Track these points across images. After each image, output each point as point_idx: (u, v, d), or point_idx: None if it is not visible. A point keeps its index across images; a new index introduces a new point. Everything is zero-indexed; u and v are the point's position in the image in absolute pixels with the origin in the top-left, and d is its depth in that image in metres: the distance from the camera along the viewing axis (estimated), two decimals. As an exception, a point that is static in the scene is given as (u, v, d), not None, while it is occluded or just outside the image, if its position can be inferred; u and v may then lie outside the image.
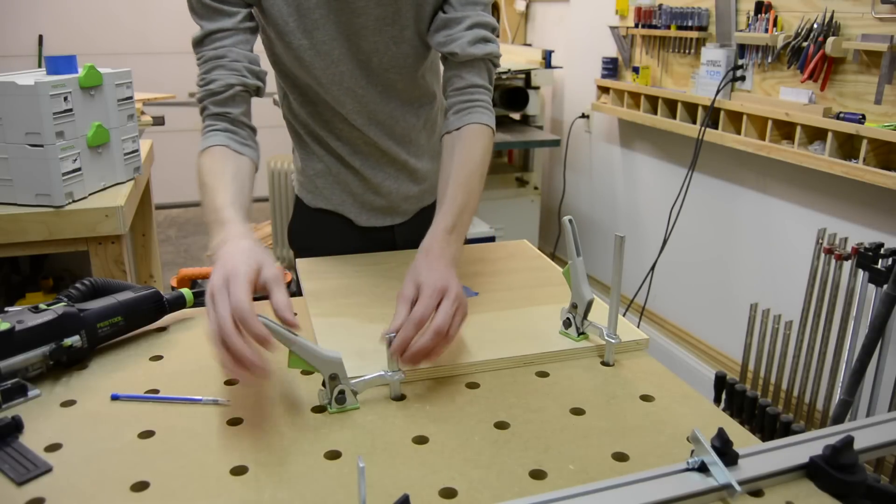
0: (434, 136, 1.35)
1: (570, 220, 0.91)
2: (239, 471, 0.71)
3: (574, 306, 0.97)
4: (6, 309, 0.88)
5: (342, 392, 0.80)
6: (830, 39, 1.95)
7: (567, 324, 0.98)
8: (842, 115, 1.95)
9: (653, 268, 2.64)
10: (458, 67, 1.14)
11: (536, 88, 3.26)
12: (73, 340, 0.88)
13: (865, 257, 1.84)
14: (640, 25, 2.78)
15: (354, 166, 1.27)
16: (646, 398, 0.85)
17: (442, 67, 1.20)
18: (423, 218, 1.36)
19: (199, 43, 1.09)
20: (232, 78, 1.07)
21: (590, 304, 0.95)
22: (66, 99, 1.56)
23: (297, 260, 1.27)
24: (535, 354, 0.93)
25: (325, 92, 1.17)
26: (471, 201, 1.04)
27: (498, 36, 1.18)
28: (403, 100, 1.25)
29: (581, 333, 0.97)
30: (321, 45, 1.13)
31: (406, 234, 1.11)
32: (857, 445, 0.69)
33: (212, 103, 1.08)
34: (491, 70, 1.17)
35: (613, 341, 0.92)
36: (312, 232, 1.38)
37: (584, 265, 0.94)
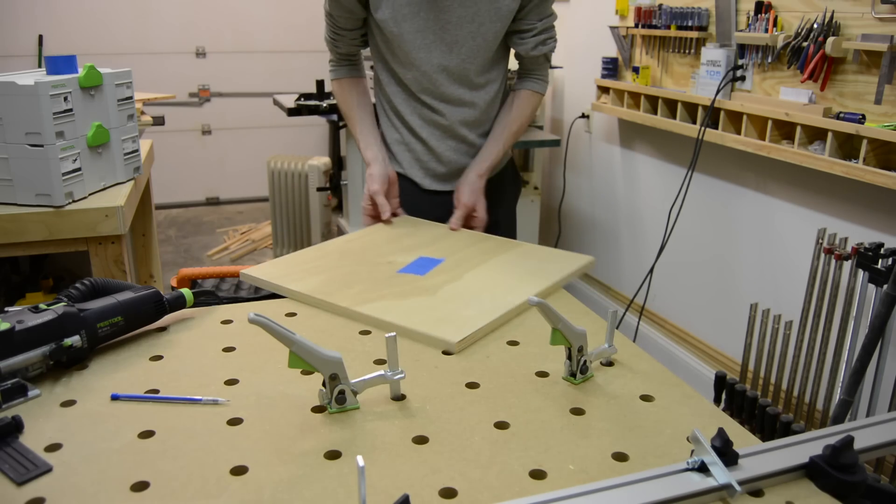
0: (494, 114, 1.61)
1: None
2: (239, 471, 0.71)
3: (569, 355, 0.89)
4: (6, 309, 0.88)
5: (342, 392, 0.81)
6: (830, 39, 1.95)
7: (571, 374, 0.89)
8: (842, 115, 1.95)
9: (652, 268, 2.64)
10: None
11: (537, 88, 3.25)
12: (73, 340, 0.88)
13: (865, 257, 1.83)
14: (640, 25, 2.77)
15: (422, 137, 1.57)
16: (646, 398, 0.85)
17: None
18: None
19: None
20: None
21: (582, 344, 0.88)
22: (66, 99, 1.56)
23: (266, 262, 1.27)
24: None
25: (410, 74, 1.49)
26: (504, 153, 1.58)
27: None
28: (472, 85, 1.53)
29: (583, 373, 0.90)
30: (408, 33, 1.43)
31: None
32: (857, 445, 0.69)
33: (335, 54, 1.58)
34: (549, 58, 1.64)
35: (610, 350, 0.93)
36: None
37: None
